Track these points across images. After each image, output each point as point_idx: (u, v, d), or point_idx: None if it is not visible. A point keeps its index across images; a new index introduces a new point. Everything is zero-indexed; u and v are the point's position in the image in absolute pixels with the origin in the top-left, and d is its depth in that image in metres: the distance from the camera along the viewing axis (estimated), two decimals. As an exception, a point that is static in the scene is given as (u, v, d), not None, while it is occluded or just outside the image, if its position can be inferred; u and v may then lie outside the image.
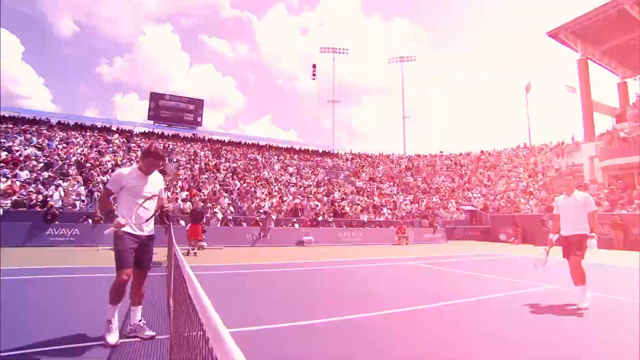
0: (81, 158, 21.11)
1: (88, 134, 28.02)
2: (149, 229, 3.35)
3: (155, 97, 34.46)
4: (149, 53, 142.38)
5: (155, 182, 3.45)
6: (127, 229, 3.15)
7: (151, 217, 3.37)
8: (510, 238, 19.48)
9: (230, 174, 24.37)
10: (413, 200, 25.88)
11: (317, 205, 20.34)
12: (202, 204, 16.02)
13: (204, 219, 13.79)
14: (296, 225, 17.81)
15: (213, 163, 26.23)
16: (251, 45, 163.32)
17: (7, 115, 28.64)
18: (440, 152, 41.27)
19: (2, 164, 17.61)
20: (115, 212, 3.22)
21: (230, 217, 17.00)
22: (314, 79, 49.00)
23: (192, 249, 11.07)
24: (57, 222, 12.62)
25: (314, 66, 48.64)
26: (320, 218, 18.81)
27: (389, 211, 22.64)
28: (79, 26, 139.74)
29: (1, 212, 12.48)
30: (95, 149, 23.87)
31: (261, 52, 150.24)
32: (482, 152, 37.92)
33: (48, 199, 14.10)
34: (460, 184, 30.27)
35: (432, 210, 24.07)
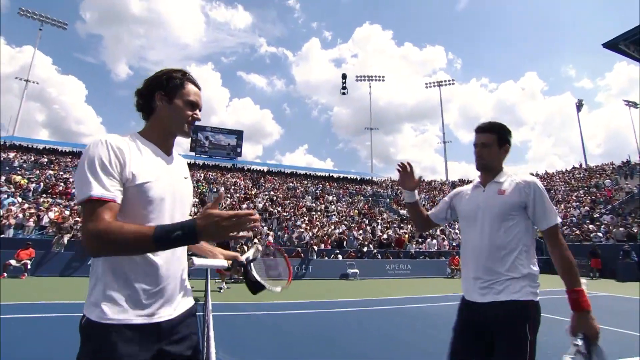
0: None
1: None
2: (184, 294, 1.37)
3: (197, 130, 35.79)
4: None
5: (183, 165, 1.61)
6: (120, 312, 1.15)
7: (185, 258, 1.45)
8: (581, 270, 16.99)
9: (269, 202, 24.02)
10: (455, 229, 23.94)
11: (361, 235, 19.20)
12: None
13: (230, 248, 13.14)
14: (339, 257, 16.72)
15: (253, 192, 26.14)
16: (287, 79, 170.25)
17: (67, 150, 31.13)
18: (486, 176, 39.01)
19: (57, 195, 18.43)
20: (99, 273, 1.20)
21: (272, 248, 16.26)
22: (344, 92, 47.73)
23: (219, 287, 10.07)
24: (98, 253, 12.44)
25: (344, 77, 47.45)
26: (365, 249, 17.59)
27: (436, 241, 20.94)
28: (132, 70, 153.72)
29: (65, 242, 12.61)
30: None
31: (297, 84, 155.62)
32: (531, 174, 35.20)
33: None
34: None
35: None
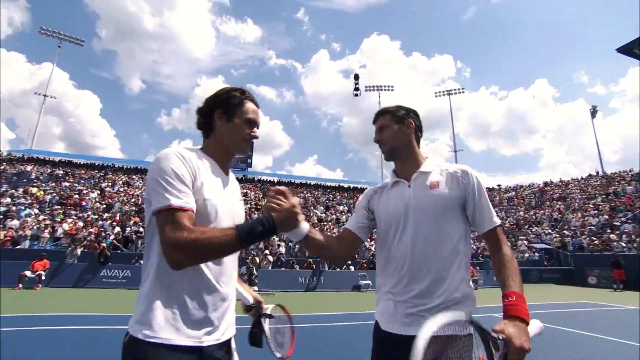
0: (138, 200, 21.97)
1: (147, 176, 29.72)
2: (231, 320, 1.29)
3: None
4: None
5: (237, 187, 1.49)
6: (165, 331, 1.09)
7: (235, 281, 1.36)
8: (601, 281, 16.44)
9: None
10: (477, 239, 23.45)
11: (373, 246, 18.96)
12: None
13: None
14: (351, 268, 16.51)
15: (263, 203, 26.18)
16: (296, 90, 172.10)
17: (81, 162, 31.85)
18: (498, 185, 38.36)
19: (71, 206, 18.73)
20: (147, 289, 1.14)
21: (283, 259, 16.19)
22: (356, 94, 47.32)
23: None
24: (109, 264, 12.57)
25: (356, 77, 46.86)
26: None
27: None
28: (145, 84, 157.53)
29: (79, 253, 12.76)
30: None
31: (306, 95, 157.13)
32: (546, 183, 34.46)
33: (102, 241, 14.33)
34: (526, 219, 27.21)
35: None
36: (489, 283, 16.74)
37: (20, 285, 10.43)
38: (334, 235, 1.70)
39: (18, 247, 12.96)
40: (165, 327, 1.07)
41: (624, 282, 15.29)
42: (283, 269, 15.50)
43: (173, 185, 1.09)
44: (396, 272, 1.40)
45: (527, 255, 21.07)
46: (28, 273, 10.65)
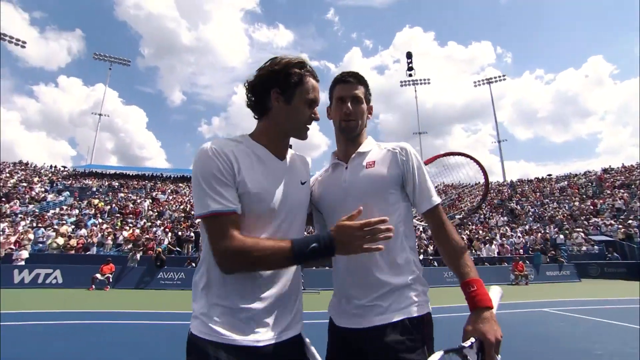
0: (187, 206, 23.35)
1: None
2: (293, 318, 1.20)
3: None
4: (241, 109, 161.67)
5: (302, 168, 1.37)
6: (220, 329, 1.06)
7: (300, 274, 1.30)
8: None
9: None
10: (526, 232, 22.25)
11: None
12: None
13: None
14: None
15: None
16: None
17: (133, 174, 34.38)
18: (549, 175, 36.00)
19: (128, 215, 20.38)
20: (200, 285, 1.14)
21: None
22: (410, 73, 46.52)
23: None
24: (165, 267, 13.57)
25: (409, 56, 46.01)
26: (421, 256, 17.09)
27: (495, 246, 19.67)
28: (185, 95, 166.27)
29: (138, 258, 13.97)
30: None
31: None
32: (605, 170, 31.81)
33: (157, 246, 15.48)
34: (582, 209, 25.30)
35: (550, 242, 20.20)
36: (541, 278, 15.88)
37: (93, 286, 11.65)
38: None
39: (88, 252, 14.42)
40: (221, 325, 1.04)
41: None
42: (327, 268, 15.77)
43: (211, 187, 1.03)
44: (337, 263, 1.33)
45: (584, 248, 19.64)
46: (98, 276, 11.86)
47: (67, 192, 25.19)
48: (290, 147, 1.33)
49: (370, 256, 1.20)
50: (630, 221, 20.63)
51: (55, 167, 34.11)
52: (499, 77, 46.63)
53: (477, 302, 1.14)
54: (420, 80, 47.26)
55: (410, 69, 45.50)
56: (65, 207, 21.38)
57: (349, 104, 1.35)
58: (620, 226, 20.36)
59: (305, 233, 1.29)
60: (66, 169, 34.50)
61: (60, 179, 29.47)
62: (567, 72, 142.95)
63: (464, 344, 1.06)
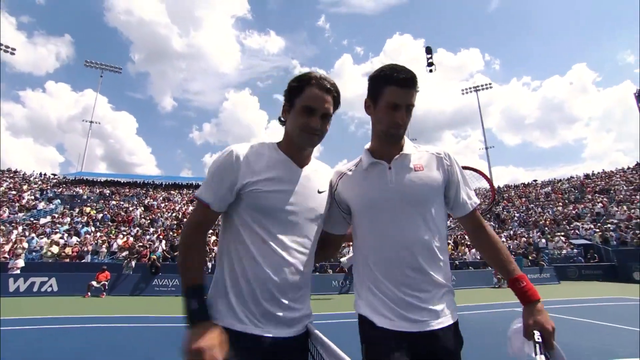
0: (179, 214, 23.56)
1: (184, 191, 31.61)
2: (300, 313, 1.27)
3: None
4: (232, 115, 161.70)
5: (323, 178, 1.41)
6: (238, 323, 1.17)
7: (306, 277, 1.30)
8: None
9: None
10: (510, 237, 23.01)
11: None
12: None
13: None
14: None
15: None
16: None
17: (124, 181, 34.31)
18: (534, 180, 37.10)
19: (120, 223, 20.53)
20: (218, 280, 1.25)
21: (317, 265, 16.91)
22: (431, 69, 43.12)
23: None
24: (160, 274, 13.86)
25: (429, 51, 42.76)
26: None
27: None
28: (176, 101, 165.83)
29: (133, 265, 14.21)
30: (191, 205, 26.58)
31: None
32: (587, 175, 32.98)
33: (152, 254, 15.74)
34: (565, 214, 26.24)
35: (533, 246, 20.98)
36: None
37: (89, 293, 11.92)
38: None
39: (83, 260, 14.63)
40: (224, 313, 1.16)
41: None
42: (317, 273, 16.22)
43: (211, 179, 1.21)
44: (387, 261, 1.27)
45: (564, 251, 20.45)
46: (94, 283, 12.14)
47: (58, 200, 25.19)
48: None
49: (425, 254, 1.25)
50: (607, 225, 21.57)
51: (45, 174, 33.89)
52: (486, 85, 47.88)
53: (529, 296, 1.20)
54: (409, 88, 48.06)
55: (430, 64, 42.99)
56: (56, 215, 21.44)
57: (404, 113, 1.28)
58: (597, 230, 21.26)
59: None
60: (56, 177, 34.25)
61: (50, 187, 29.37)
62: (553, 79, 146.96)
63: (539, 340, 1.11)
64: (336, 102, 1.33)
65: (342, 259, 1.29)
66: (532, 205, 29.69)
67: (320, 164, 1.43)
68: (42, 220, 20.04)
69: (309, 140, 1.28)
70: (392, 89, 1.25)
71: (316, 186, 1.33)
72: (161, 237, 18.15)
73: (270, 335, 1.16)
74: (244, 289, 1.16)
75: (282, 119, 1.34)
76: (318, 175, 1.36)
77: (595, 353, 4.71)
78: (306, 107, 1.24)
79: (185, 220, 21.52)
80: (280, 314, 1.19)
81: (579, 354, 4.66)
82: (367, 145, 1.41)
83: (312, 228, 1.30)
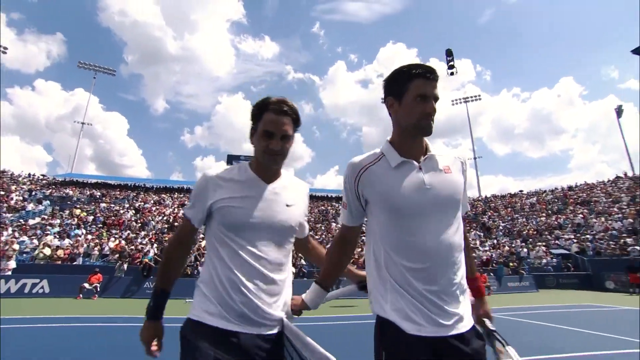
0: (170, 217, 23.72)
1: (175, 195, 31.70)
2: (276, 314, 1.39)
3: (231, 159, 38.03)
4: (224, 119, 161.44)
5: (293, 193, 1.53)
6: (215, 319, 1.31)
7: (280, 284, 1.43)
8: (620, 285, 16.53)
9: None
10: (493, 246, 23.73)
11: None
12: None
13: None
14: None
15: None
16: (315, 103, 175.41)
17: (115, 183, 34.20)
18: (520, 191, 38.14)
19: (111, 226, 20.63)
20: (200, 284, 1.41)
21: (305, 270, 17.30)
22: (452, 72, 42.87)
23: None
24: (152, 277, 14.08)
25: (449, 54, 41.73)
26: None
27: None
28: (169, 104, 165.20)
29: (125, 268, 14.44)
30: (182, 209, 26.71)
31: (325, 107, 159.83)
32: (570, 187, 34.04)
33: (143, 257, 15.96)
34: (548, 224, 27.10)
35: (515, 255, 21.72)
36: (503, 289, 17.18)
37: (81, 295, 12.17)
38: (335, 246, 1.53)
39: (75, 262, 14.79)
40: (198, 309, 1.35)
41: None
42: (305, 279, 16.59)
43: (191, 200, 1.42)
44: (422, 264, 1.22)
45: (544, 261, 21.21)
46: (86, 285, 12.38)
47: (47, 202, 25.11)
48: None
49: (452, 259, 1.25)
50: (587, 235, 22.42)
51: (34, 175, 33.60)
52: (475, 96, 49.16)
53: (482, 292, 1.46)
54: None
55: (451, 67, 42.43)
56: (46, 217, 21.42)
57: (433, 103, 1.29)
58: (576, 240, 22.12)
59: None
60: (45, 178, 33.99)
61: (39, 188, 29.19)
62: (542, 91, 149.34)
63: (491, 327, 1.39)
64: (295, 122, 1.45)
65: (329, 294, 1.52)
66: (517, 215, 30.53)
67: (293, 180, 1.56)
68: (32, 222, 20.02)
69: (272, 161, 1.41)
70: (419, 82, 1.28)
71: (284, 200, 1.45)
72: (152, 240, 18.35)
73: (247, 332, 1.30)
74: (222, 293, 1.31)
75: (251, 141, 1.47)
76: (287, 191, 1.48)
77: (559, 349, 5.26)
78: (266, 131, 1.37)
79: (176, 224, 21.78)
80: (256, 318, 1.31)
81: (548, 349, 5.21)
82: (388, 140, 1.40)
83: (282, 239, 1.43)
